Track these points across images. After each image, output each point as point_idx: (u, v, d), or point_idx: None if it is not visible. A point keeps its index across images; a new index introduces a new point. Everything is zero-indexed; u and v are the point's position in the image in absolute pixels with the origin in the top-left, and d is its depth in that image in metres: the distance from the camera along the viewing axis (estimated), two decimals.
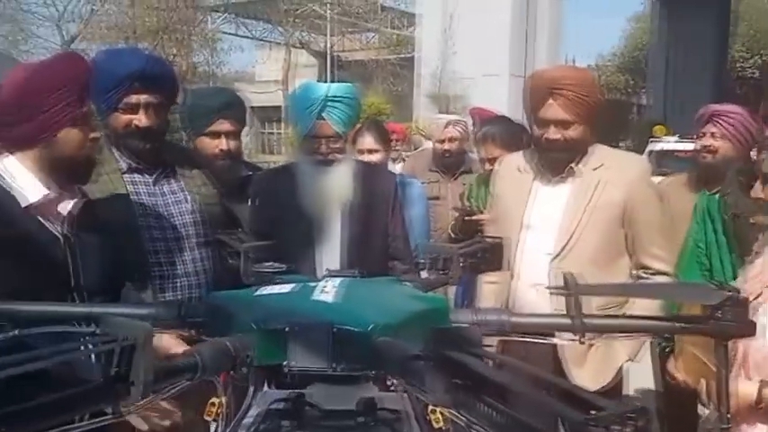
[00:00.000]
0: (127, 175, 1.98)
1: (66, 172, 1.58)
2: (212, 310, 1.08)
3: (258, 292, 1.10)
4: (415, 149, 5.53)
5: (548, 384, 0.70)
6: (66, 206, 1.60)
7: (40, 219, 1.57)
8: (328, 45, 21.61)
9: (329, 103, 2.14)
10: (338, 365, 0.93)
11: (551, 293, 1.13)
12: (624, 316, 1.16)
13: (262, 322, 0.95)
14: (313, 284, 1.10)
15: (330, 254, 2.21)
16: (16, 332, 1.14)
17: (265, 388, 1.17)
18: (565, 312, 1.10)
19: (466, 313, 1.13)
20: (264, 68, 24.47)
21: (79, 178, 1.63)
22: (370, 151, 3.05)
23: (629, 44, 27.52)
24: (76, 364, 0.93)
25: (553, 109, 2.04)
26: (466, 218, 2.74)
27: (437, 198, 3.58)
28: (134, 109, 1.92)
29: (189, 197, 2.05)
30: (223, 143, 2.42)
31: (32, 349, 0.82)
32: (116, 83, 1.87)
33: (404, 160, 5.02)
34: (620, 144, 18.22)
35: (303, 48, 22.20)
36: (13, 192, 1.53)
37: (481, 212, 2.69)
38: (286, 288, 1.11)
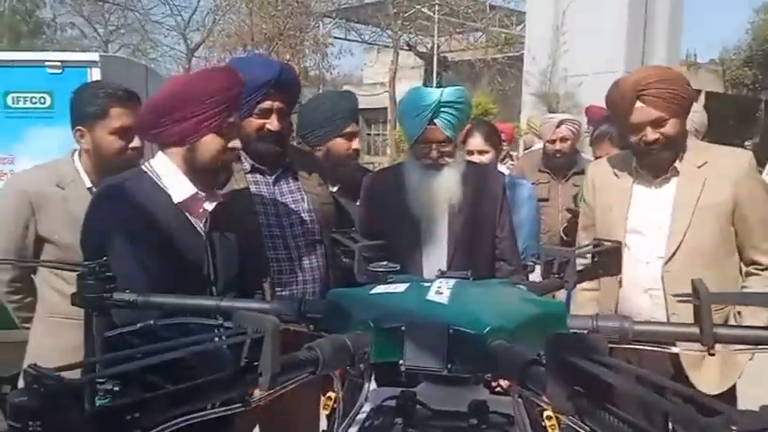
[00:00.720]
0: (250, 175, 2.08)
1: (205, 175, 1.68)
2: (331, 307, 1.11)
3: (374, 291, 1.12)
4: (526, 149, 5.40)
5: (672, 392, 0.67)
6: (209, 205, 1.71)
7: (188, 216, 1.68)
8: (435, 46, 21.60)
9: (441, 109, 2.14)
10: (453, 366, 0.93)
11: (679, 301, 1.07)
12: (759, 327, 1.08)
13: (379, 320, 0.96)
14: (427, 285, 1.11)
15: (436, 255, 2.21)
16: (151, 322, 1.23)
17: (373, 385, 1.18)
18: (687, 321, 1.05)
19: (585, 320, 1.10)
20: (372, 71, 24.86)
21: (214, 183, 1.72)
22: (480, 152, 3.03)
23: (757, 36, 25.59)
24: (207, 354, 0.99)
25: (644, 110, 2.00)
26: (577, 220, 2.65)
27: (546, 200, 3.49)
28: (267, 114, 2.02)
29: (306, 197, 2.13)
30: (356, 143, 2.57)
31: (165, 339, 0.88)
32: (254, 89, 1.97)
33: (511, 160, 4.92)
34: (747, 143, 16.97)
35: (410, 50, 22.32)
36: (166, 189, 1.66)
37: None
38: (401, 288, 1.12)
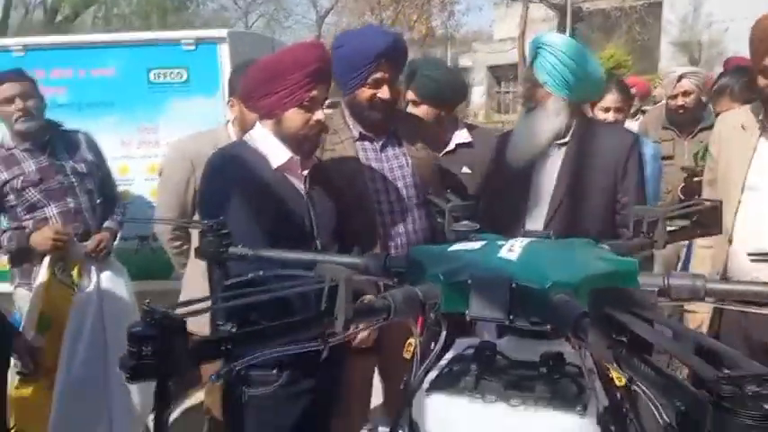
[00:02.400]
0: (358, 143, 2.21)
1: (293, 144, 1.82)
2: (411, 262, 1.21)
3: (451, 248, 1.20)
4: (655, 104, 5.14)
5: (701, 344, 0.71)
6: (306, 168, 1.87)
7: (288, 178, 1.85)
8: None
9: (539, 50, 2.16)
10: (515, 318, 1.00)
11: (753, 260, 1.06)
12: None
13: (448, 274, 1.05)
14: (502, 243, 1.17)
15: (537, 213, 2.22)
16: (260, 273, 1.40)
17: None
18: None
19: (657, 278, 1.11)
20: (501, 27, 24.18)
21: (302, 152, 1.85)
22: (615, 110, 2.96)
23: None
24: (300, 298, 1.12)
25: None
26: (695, 179, 2.55)
27: (670, 158, 3.34)
28: (379, 84, 2.12)
29: (410, 161, 2.23)
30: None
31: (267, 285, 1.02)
32: (367, 60, 2.07)
33: (643, 115, 4.71)
34: None
35: (542, 1, 21.41)
36: (265, 155, 1.83)
37: None
38: (477, 245, 1.20)
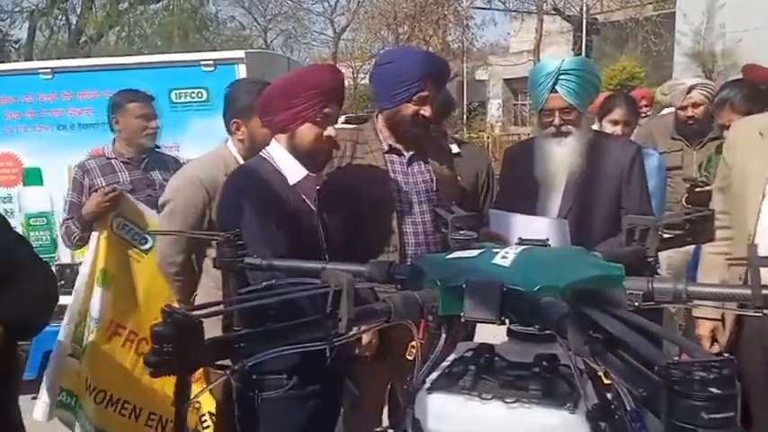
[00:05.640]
0: (387, 155, 2.30)
1: (306, 159, 1.93)
2: (413, 269, 1.29)
3: (450, 256, 1.29)
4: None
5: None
6: (316, 184, 1.97)
7: (302, 195, 1.95)
8: (584, 7, 20.51)
9: (562, 76, 2.22)
10: (506, 319, 1.08)
11: (730, 265, 1.13)
12: None
13: (445, 280, 1.13)
14: (497, 250, 1.25)
15: None
16: (273, 281, 1.49)
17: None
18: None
19: (641, 282, 1.18)
20: (518, 39, 24.25)
21: (314, 166, 1.95)
22: (623, 123, 3.06)
23: None
24: (307, 302, 1.21)
25: None
26: (696, 189, 2.60)
27: (679, 168, 3.39)
28: (423, 101, 2.22)
29: (435, 178, 2.33)
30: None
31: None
32: (416, 78, 2.17)
33: None
34: None
35: (557, 14, 21.45)
36: (283, 172, 1.92)
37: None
38: (474, 253, 1.28)
